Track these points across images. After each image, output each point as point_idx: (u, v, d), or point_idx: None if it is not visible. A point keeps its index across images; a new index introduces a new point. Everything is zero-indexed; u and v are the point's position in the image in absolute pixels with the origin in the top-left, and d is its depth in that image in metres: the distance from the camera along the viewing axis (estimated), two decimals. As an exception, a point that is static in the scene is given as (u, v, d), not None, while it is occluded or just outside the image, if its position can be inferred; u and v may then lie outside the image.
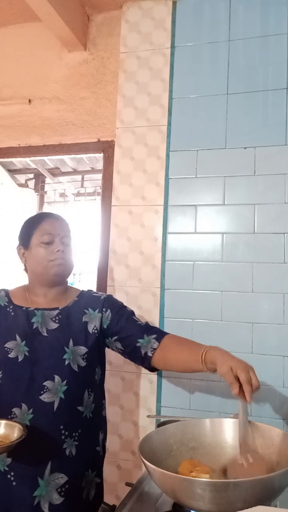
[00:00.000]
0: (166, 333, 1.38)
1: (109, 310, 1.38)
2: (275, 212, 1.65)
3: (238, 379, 1.10)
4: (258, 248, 1.66)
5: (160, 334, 1.37)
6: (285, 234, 1.63)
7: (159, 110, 1.83)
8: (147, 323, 1.40)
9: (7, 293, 1.38)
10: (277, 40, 1.72)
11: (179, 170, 1.77)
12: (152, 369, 1.38)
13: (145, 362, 1.35)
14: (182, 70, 1.82)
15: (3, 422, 1.16)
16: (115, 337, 1.37)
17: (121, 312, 1.40)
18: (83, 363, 1.30)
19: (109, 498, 1.43)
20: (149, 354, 1.32)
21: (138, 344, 1.34)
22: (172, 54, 1.84)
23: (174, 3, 1.86)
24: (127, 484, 1.24)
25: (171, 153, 1.79)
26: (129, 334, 1.35)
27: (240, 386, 1.10)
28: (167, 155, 1.80)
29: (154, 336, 1.35)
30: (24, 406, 1.22)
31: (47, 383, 1.24)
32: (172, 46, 1.84)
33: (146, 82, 1.86)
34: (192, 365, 1.24)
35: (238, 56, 1.76)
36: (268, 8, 1.74)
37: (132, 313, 1.43)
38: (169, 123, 1.81)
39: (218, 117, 1.75)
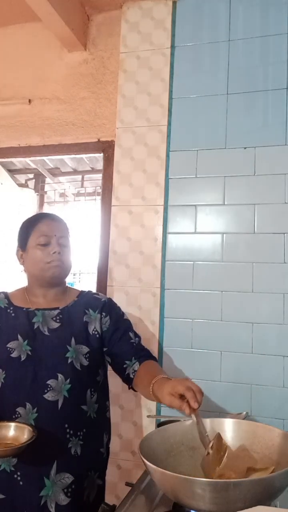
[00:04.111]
0: (149, 358, 1.36)
1: (108, 317, 1.38)
2: (275, 212, 1.65)
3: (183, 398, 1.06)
4: (258, 248, 1.66)
5: (144, 358, 1.34)
6: (285, 234, 1.64)
7: (159, 110, 1.83)
8: (139, 342, 1.39)
9: (6, 295, 1.38)
10: (277, 40, 1.72)
11: (179, 170, 1.77)
12: (135, 390, 1.36)
13: (128, 383, 1.35)
14: (182, 70, 1.82)
15: (13, 424, 1.16)
16: (105, 349, 1.37)
17: (118, 324, 1.38)
18: (86, 362, 1.30)
19: (109, 498, 1.43)
20: (131, 375, 1.32)
21: (125, 366, 1.34)
22: (172, 54, 1.84)
23: (174, 3, 1.86)
24: (127, 484, 1.24)
25: (171, 153, 1.79)
26: (119, 353, 1.35)
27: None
28: (167, 155, 1.80)
29: (140, 359, 1.33)
30: (28, 405, 1.22)
31: (51, 382, 1.24)
32: (172, 46, 1.84)
33: (146, 82, 1.86)
34: (152, 398, 1.20)
35: (238, 56, 1.76)
36: (268, 8, 1.74)
37: (129, 327, 1.41)
38: (169, 123, 1.81)
39: (218, 117, 1.75)
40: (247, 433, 1.11)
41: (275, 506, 0.97)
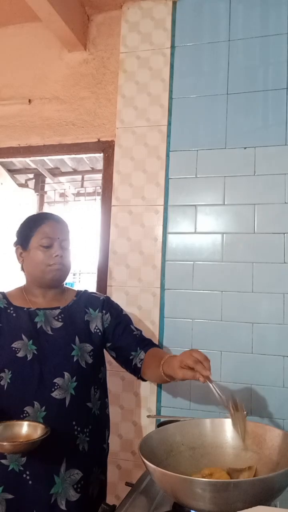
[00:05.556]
0: (153, 346, 1.40)
1: (108, 314, 1.40)
2: (275, 212, 1.65)
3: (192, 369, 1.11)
4: (258, 248, 1.66)
5: (149, 346, 1.38)
6: (285, 234, 1.64)
7: (159, 110, 1.83)
8: (141, 334, 1.42)
9: (4, 295, 1.38)
10: (277, 40, 1.72)
11: (179, 170, 1.77)
12: (144, 379, 1.39)
13: (136, 373, 1.37)
14: (182, 70, 1.82)
15: (25, 422, 1.16)
16: (109, 344, 1.39)
17: (119, 319, 1.41)
18: (90, 360, 1.31)
19: (109, 498, 1.43)
20: (138, 365, 1.35)
21: (131, 357, 1.36)
22: (172, 54, 1.84)
23: (174, 3, 1.86)
24: (127, 484, 1.24)
25: (171, 153, 1.79)
26: (124, 345, 1.37)
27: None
28: (167, 155, 1.80)
29: (144, 348, 1.37)
30: (36, 404, 1.23)
31: (58, 380, 1.25)
32: (172, 46, 1.84)
33: (146, 82, 1.86)
34: (164, 379, 1.24)
35: (238, 56, 1.76)
36: (268, 8, 1.74)
37: (130, 321, 1.44)
38: (169, 123, 1.81)
39: (218, 117, 1.75)
40: (247, 433, 1.11)
41: (275, 506, 0.97)
